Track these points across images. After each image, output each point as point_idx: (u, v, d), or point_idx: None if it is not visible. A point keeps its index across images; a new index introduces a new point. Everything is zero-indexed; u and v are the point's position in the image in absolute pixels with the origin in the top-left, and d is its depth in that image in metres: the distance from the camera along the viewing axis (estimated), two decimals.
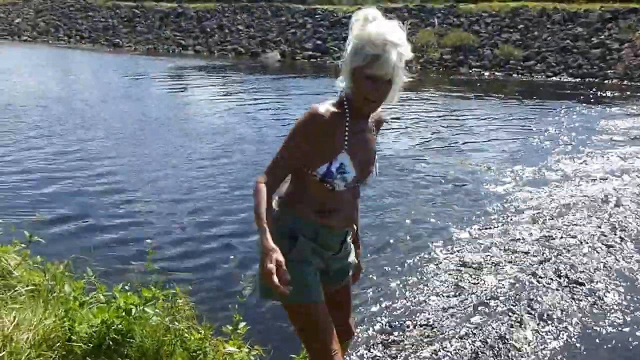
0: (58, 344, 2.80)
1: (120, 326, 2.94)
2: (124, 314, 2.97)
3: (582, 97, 16.10)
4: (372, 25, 2.31)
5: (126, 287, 3.29)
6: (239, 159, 9.19)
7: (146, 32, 33.91)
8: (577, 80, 19.54)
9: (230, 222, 6.59)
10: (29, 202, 7.06)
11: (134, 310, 3.00)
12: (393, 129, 11.51)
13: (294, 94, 16.38)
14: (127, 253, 5.58)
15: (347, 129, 2.41)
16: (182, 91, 17.22)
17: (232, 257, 5.57)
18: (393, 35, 2.28)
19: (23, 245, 3.73)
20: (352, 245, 2.77)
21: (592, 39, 22.21)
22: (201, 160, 9.10)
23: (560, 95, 16.52)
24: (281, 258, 2.07)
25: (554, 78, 20.00)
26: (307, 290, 2.43)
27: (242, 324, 3.43)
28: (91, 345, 2.85)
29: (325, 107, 2.39)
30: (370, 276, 5.16)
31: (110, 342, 2.88)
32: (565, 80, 19.69)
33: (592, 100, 15.64)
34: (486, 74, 21.23)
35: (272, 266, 2.04)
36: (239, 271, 5.29)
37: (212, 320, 3.47)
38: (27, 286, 3.35)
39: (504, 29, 24.43)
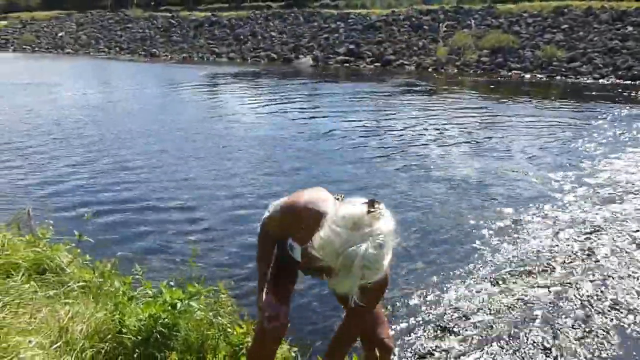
0: (109, 335, 2.93)
1: (166, 320, 3.06)
2: (170, 308, 3.10)
3: (632, 100, 15.48)
4: (348, 238, 2.02)
5: (171, 283, 3.44)
6: (274, 162, 9.30)
7: (181, 41, 34.45)
8: (627, 82, 18.81)
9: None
10: (79, 203, 7.33)
11: (179, 305, 3.12)
12: (430, 134, 11.52)
13: (327, 99, 16.46)
14: (170, 251, 5.73)
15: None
16: (217, 97, 17.48)
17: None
18: (362, 260, 1.99)
19: (73, 244, 3.93)
20: None
21: None
22: (239, 162, 9.25)
23: (608, 98, 15.89)
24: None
25: (601, 80, 19.28)
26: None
27: None
28: (140, 338, 2.98)
29: (306, 206, 2.44)
30: (404, 279, 5.21)
31: (158, 335, 3.00)
32: (613, 82, 19.01)
33: None
34: (527, 76, 20.72)
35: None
36: None
37: (253, 316, 3.55)
38: (79, 282, 3.51)
39: (546, 29, 23.84)
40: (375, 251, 1.98)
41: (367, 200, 2.09)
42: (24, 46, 41.16)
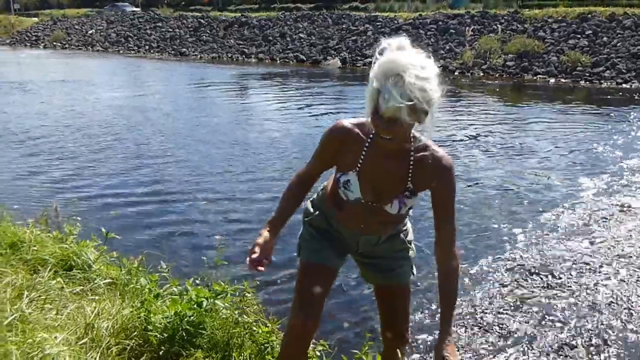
0: (135, 332, 2.93)
1: (192, 318, 3.05)
2: (195, 306, 3.09)
3: None
4: (389, 54, 2.11)
5: (197, 281, 3.43)
6: (304, 162, 9.30)
7: (211, 41, 34.66)
8: None
9: (294, 222, 6.69)
10: (107, 200, 7.41)
11: (205, 303, 3.12)
12: (456, 136, 11.45)
13: (355, 100, 16.45)
14: (196, 249, 5.74)
15: (363, 152, 2.40)
16: (247, 97, 17.58)
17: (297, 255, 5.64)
18: (407, 69, 2.03)
19: (101, 241, 3.94)
20: (397, 253, 2.76)
21: None
22: (269, 162, 9.27)
23: (631, 103, 15.82)
24: (262, 243, 2.45)
25: (624, 85, 19.17)
26: (303, 250, 2.75)
27: None
28: (165, 335, 2.97)
29: (351, 123, 2.43)
30: (426, 281, 5.17)
31: (183, 333, 2.99)
32: (636, 87, 18.85)
33: None
34: (552, 80, 20.62)
35: (253, 248, 2.43)
36: None
37: (279, 315, 3.54)
38: (105, 279, 3.53)
39: (570, 34, 23.76)
40: (415, 65, 2.06)
41: None
42: (54, 43, 41.80)
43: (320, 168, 2.61)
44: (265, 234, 2.50)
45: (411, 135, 2.31)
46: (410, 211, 2.59)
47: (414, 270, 2.81)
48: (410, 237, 2.81)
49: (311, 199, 2.82)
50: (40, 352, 2.46)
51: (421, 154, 2.37)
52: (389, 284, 2.78)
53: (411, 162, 2.38)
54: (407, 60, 2.05)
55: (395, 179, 2.42)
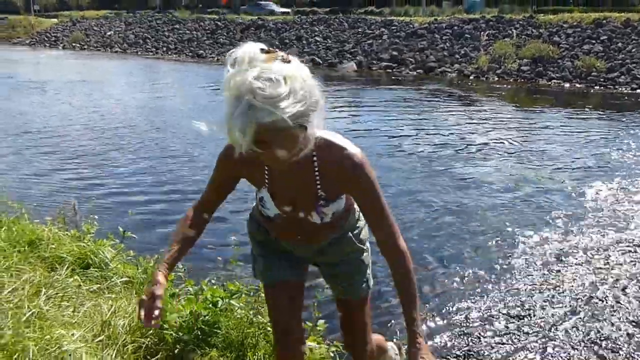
0: (150, 331, 2.95)
1: (207, 317, 3.07)
2: (211, 305, 3.11)
3: None
4: (235, 70, 1.77)
5: (212, 281, 3.46)
6: None
7: (228, 43, 34.78)
8: None
9: None
10: (124, 199, 7.54)
11: (220, 303, 3.14)
12: (469, 141, 11.43)
13: (371, 103, 16.47)
14: (212, 249, 5.75)
15: (266, 168, 2.14)
16: None
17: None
18: (252, 89, 1.69)
19: (118, 240, 3.98)
20: (348, 256, 2.52)
21: None
22: None
23: None
24: (158, 292, 1.99)
25: (638, 90, 19.03)
26: (256, 271, 2.58)
27: (321, 321, 3.52)
28: (181, 334, 2.99)
29: None
30: (440, 282, 5.17)
31: (198, 332, 3.01)
32: None
33: None
34: (566, 85, 20.53)
35: (143, 297, 2.00)
36: (317, 270, 5.37)
37: None
38: (122, 277, 3.56)
39: (585, 40, 23.68)
40: (262, 84, 1.70)
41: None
42: (73, 44, 42.13)
43: (217, 191, 2.34)
44: (161, 278, 2.05)
45: (307, 139, 1.88)
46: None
47: (370, 283, 2.58)
48: (365, 235, 2.50)
49: (251, 211, 2.59)
50: (57, 348, 2.49)
51: (324, 156, 2.05)
52: (343, 298, 2.64)
53: (316, 168, 2.10)
54: (251, 77, 1.72)
55: (306, 189, 2.15)
